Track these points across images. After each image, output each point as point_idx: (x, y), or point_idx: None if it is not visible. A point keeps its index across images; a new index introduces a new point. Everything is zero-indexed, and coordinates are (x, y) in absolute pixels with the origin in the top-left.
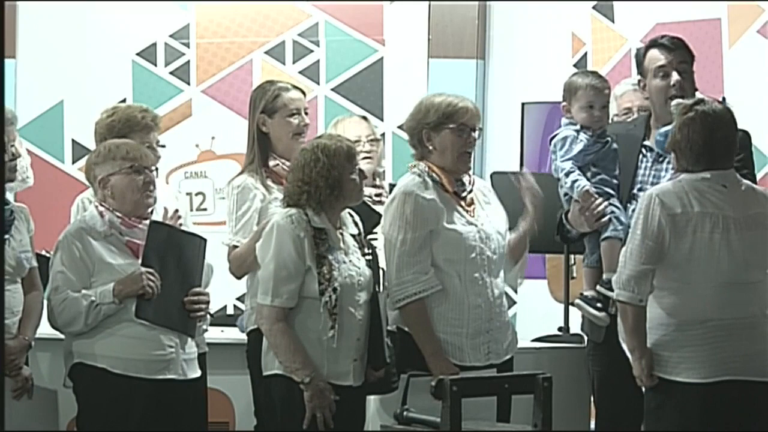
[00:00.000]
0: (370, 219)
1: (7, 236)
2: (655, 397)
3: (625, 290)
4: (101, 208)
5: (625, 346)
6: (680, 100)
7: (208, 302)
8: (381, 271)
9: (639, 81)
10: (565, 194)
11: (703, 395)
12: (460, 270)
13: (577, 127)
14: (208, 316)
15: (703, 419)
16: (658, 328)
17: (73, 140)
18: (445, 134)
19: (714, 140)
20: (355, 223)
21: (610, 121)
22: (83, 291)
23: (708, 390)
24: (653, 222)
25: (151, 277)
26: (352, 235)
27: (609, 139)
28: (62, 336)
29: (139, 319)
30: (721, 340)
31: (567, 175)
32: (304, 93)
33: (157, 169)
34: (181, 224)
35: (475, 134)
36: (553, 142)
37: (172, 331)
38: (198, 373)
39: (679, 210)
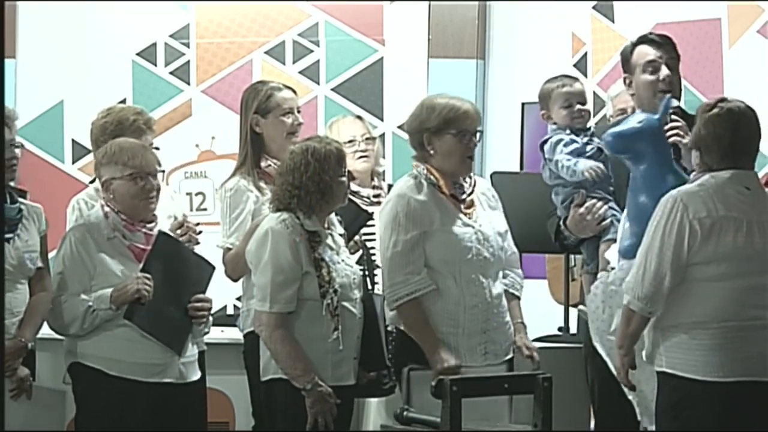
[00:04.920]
0: (358, 218)
1: (12, 235)
2: (671, 396)
3: (640, 302)
4: (107, 209)
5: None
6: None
7: (210, 308)
8: (380, 271)
9: (625, 78)
10: (563, 201)
11: (722, 395)
12: (456, 271)
13: (567, 132)
14: (210, 317)
15: (721, 419)
16: (677, 327)
17: (73, 140)
18: (446, 139)
19: (740, 137)
20: (340, 222)
21: (608, 120)
22: (82, 296)
23: (727, 390)
24: (673, 226)
25: (147, 282)
26: (340, 235)
27: (600, 144)
28: None
29: (126, 320)
30: (741, 340)
31: (567, 163)
32: (295, 92)
33: (163, 171)
34: (200, 232)
35: (476, 138)
36: (545, 147)
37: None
38: (198, 375)
39: (704, 213)
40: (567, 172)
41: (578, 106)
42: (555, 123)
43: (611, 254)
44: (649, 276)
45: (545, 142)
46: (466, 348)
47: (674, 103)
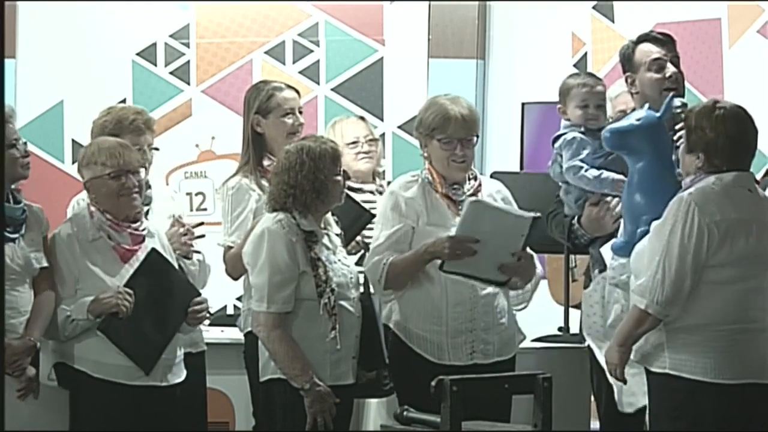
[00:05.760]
0: (360, 219)
1: (17, 235)
2: (672, 397)
3: (660, 306)
4: (92, 208)
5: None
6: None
7: (207, 308)
8: None
9: (627, 78)
10: (577, 200)
11: (725, 397)
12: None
13: (582, 129)
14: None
15: (723, 421)
16: (687, 329)
17: (73, 140)
18: (434, 145)
19: (749, 136)
20: (336, 222)
21: (608, 120)
22: (62, 305)
23: (730, 392)
24: (692, 230)
25: (127, 298)
26: (337, 235)
27: None
28: None
29: (100, 332)
30: (745, 343)
31: (578, 170)
32: (298, 92)
33: (146, 169)
34: (201, 235)
35: (469, 143)
36: (557, 144)
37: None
38: (183, 377)
39: (719, 216)
40: (590, 183)
41: (595, 109)
42: (569, 119)
43: (605, 252)
44: (669, 280)
45: (558, 137)
46: (450, 346)
47: (677, 102)
